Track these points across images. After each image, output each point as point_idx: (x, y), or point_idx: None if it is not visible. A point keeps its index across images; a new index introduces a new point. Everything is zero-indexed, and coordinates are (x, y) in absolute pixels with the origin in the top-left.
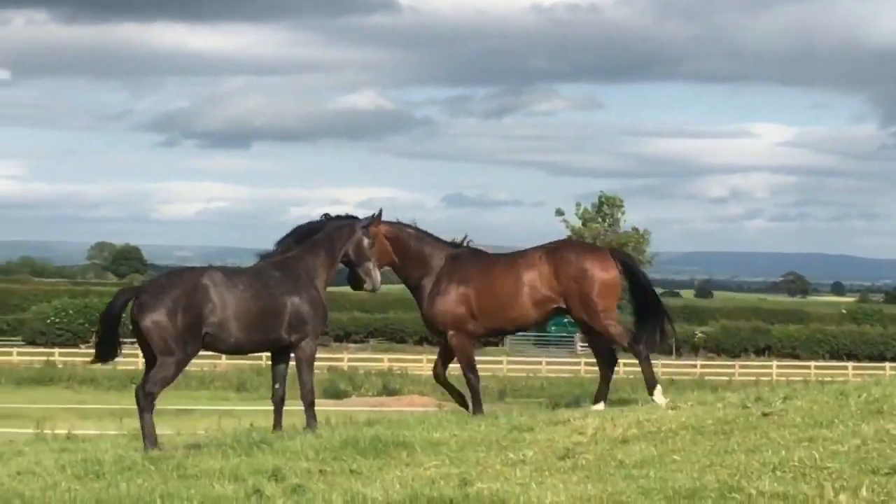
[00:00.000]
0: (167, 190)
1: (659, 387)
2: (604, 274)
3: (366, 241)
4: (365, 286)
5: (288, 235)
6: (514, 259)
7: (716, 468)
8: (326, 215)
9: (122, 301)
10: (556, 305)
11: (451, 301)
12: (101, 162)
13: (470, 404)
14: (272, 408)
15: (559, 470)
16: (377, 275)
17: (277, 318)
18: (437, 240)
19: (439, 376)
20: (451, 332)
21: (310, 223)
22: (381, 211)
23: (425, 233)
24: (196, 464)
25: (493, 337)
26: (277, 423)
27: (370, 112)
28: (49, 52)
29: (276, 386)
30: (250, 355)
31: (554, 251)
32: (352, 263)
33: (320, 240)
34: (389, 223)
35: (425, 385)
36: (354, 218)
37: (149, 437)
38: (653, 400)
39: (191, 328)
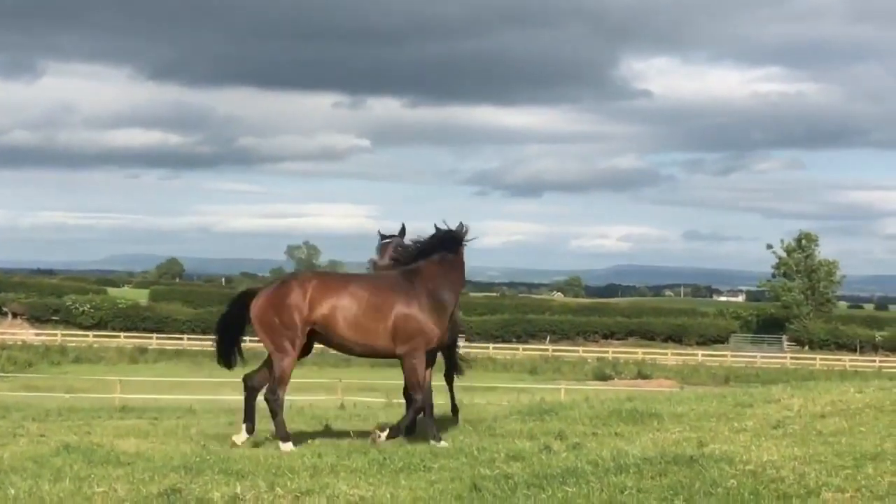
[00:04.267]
0: (481, 227)
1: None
2: None
3: None
4: None
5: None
6: None
7: (894, 437)
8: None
9: None
10: None
11: None
12: (433, 207)
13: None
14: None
15: (772, 436)
16: None
17: None
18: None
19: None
20: None
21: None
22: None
23: None
24: (502, 426)
25: None
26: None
27: (630, 171)
28: (399, 128)
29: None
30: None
31: None
32: None
33: None
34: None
35: (669, 371)
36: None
37: None
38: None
39: None
